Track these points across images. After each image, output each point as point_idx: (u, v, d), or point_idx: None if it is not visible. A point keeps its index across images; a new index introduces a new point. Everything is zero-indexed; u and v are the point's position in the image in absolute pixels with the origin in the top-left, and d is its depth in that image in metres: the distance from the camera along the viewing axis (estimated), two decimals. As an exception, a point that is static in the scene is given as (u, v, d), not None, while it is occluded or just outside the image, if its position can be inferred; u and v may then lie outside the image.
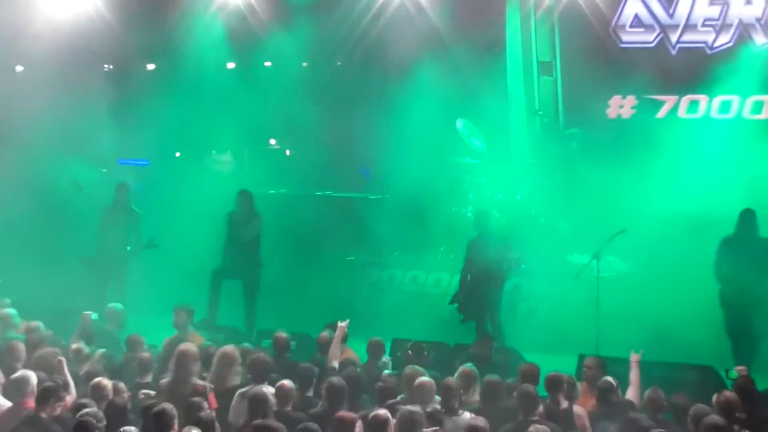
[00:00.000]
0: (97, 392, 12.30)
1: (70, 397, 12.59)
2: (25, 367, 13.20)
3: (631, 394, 13.09)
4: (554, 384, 12.20)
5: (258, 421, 11.46)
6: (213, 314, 18.88)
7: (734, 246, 16.66)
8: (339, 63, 22.91)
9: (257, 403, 11.71)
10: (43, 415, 11.68)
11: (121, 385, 12.69)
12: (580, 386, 13.20)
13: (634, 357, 13.50)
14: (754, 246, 16.57)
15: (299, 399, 12.46)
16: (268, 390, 12.16)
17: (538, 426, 10.89)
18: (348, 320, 14.63)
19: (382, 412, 10.92)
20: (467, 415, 11.81)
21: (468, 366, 13.35)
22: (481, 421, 11.03)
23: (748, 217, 16.71)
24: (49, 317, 16.09)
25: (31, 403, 12.01)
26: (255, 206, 19.12)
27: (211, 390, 12.70)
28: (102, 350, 14.47)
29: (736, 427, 11.22)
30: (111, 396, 12.22)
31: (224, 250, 19.19)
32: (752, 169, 18.90)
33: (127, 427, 10.66)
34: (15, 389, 12.31)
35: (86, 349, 14.59)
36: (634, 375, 13.37)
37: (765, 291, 16.50)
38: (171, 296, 17.26)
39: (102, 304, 18.13)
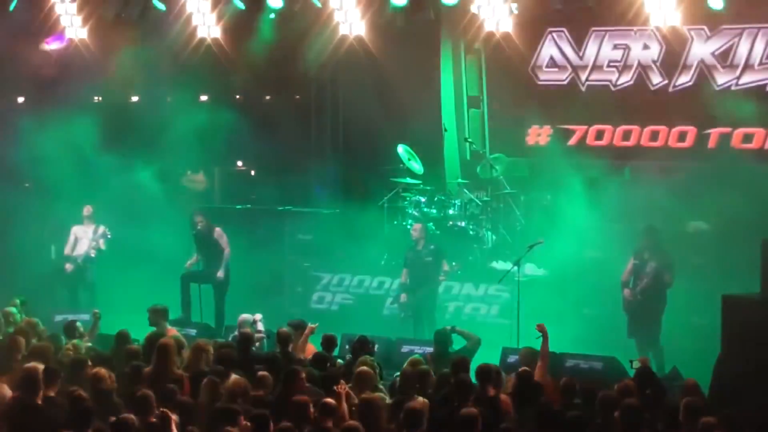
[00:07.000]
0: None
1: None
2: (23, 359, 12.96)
3: (539, 367, 12.88)
4: (484, 374, 11.93)
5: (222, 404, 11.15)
6: (186, 312, 18.74)
7: (639, 257, 16.70)
8: (297, 96, 22.74)
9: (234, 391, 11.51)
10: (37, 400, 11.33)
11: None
12: (506, 376, 13.07)
13: (540, 327, 13.38)
14: (655, 259, 16.60)
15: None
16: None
17: (470, 409, 10.71)
18: (317, 323, 14.82)
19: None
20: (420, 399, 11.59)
21: (415, 356, 13.36)
22: (418, 404, 10.93)
23: (651, 233, 16.74)
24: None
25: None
26: (212, 221, 18.98)
27: (186, 377, 12.55)
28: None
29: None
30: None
31: (197, 261, 19.05)
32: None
33: (124, 414, 10.50)
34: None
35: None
36: (544, 347, 13.27)
37: (662, 299, 16.56)
38: (150, 297, 17.10)
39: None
